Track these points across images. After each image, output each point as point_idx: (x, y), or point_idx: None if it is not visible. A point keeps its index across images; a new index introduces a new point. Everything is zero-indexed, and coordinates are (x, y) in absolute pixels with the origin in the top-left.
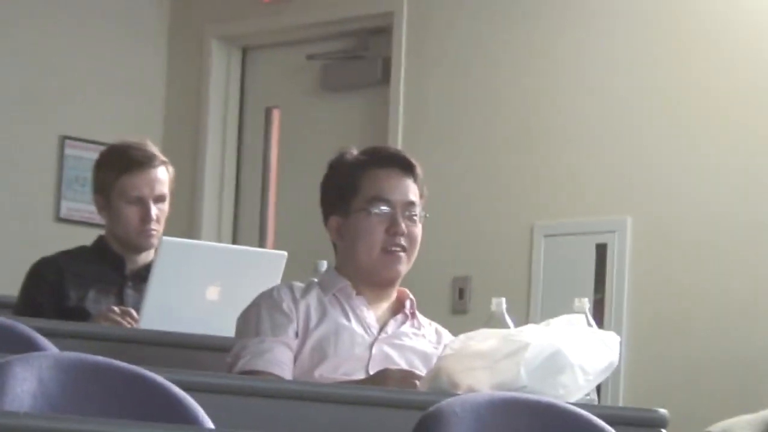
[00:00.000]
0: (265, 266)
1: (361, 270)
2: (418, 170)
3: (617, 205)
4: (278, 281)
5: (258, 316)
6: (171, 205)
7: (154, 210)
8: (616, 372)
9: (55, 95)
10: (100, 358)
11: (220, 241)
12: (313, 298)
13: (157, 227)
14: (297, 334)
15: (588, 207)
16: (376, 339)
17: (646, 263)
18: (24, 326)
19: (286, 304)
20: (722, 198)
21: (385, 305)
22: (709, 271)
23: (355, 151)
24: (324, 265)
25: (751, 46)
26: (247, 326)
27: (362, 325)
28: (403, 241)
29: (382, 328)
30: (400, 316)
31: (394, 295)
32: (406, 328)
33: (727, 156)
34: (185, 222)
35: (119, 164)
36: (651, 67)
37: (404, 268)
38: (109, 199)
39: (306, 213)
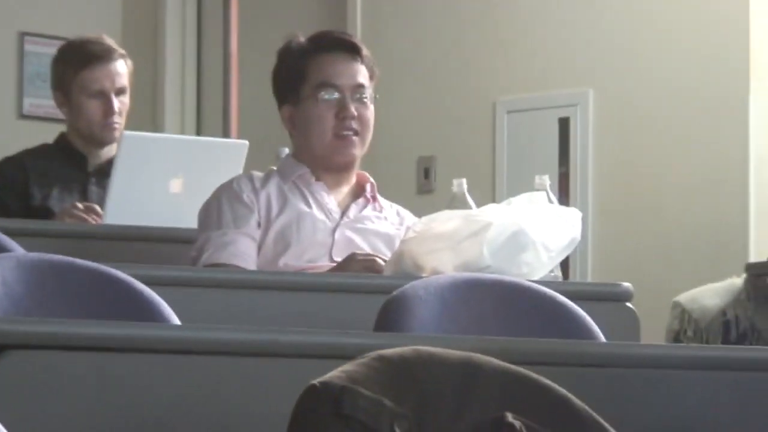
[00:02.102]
0: (227, 156)
1: (316, 156)
2: (365, 52)
3: (578, 78)
4: (240, 170)
5: (219, 208)
6: (133, 99)
7: (116, 103)
8: (583, 247)
9: None
10: (62, 257)
11: (183, 132)
12: (273, 186)
13: (119, 120)
14: (259, 224)
15: (549, 81)
16: (338, 224)
17: (609, 136)
18: None
19: (247, 195)
20: (683, 67)
21: (345, 190)
22: (672, 141)
23: (301, 39)
24: (286, 152)
25: None
26: (208, 219)
27: (323, 211)
28: (354, 125)
29: (343, 213)
30: (361, 200)
31: (353, 179)
32: (368, 211)
33: (689, 24)
34: (148, 115)
35: (78, 58)
36: None
37: (358, 151)
38: (69, 94)
39: (269, 100)
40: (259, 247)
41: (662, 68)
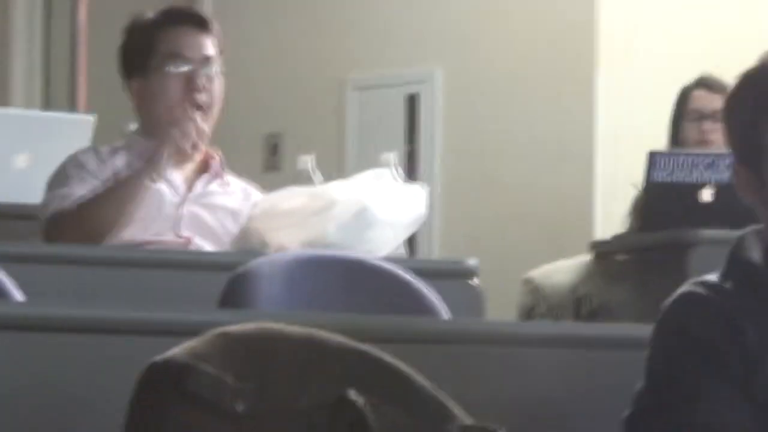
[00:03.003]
0: (73, 131)
1: (163, 130)
2: (214, 26)
3: (427, 56)
4: (87, 145)
5: (64, 174)
6: None
7: None
8: (429, 224)
9: None
10: None
11: (30, 106)
12: (119, 159)
13: None
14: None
15: (398, 59)
16: (184, 199)
17: (456, 113)
18: None
19: (92, 165)
20: (530, 44)
21: (191, 165)
22: (517, 120)
23: (150, 14)
24: (133, 127)
25: None
26: (53, 184)
27: (170, 186)
28: (203, 98)
29: (189, 188)
30: (207, 176)
31: (200, 156)
32: (214, 187)
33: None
34: None
35: None
36: None
37: (206, 125)
38: None
39: (117, 75)
40: None
41: (509, 46)
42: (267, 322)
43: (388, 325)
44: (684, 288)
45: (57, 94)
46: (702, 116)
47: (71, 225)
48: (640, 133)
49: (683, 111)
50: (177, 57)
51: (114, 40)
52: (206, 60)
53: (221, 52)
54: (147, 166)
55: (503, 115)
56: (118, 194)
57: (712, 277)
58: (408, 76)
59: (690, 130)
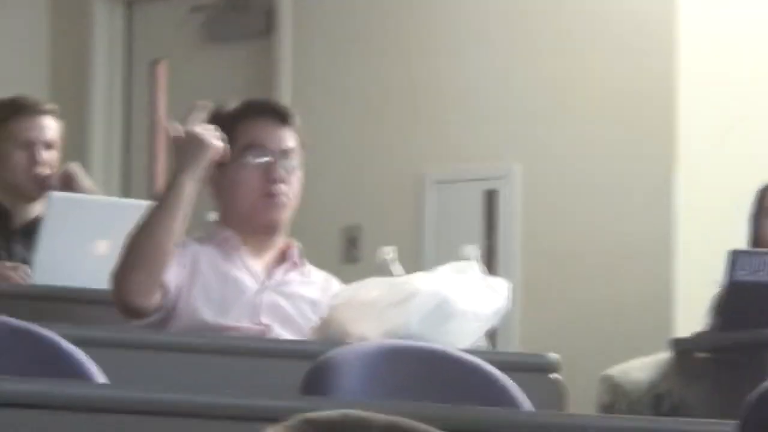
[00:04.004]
0: None
1: (242, 218)
2: (295, 119)
3: (506, 151)
4: None
5: None
6: (60, 160)
7: (42, 154)
8: (510, 317)
9: None
10: None
11: (110, 195)
12: (198, 247)
13: (47, 172)
14: (184, 267)
15: (477, 153)
16: (264, 287)
17: (535, 208)
18: None
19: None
20: (609, 142)
21: (271, 254)
22: (597, 214)
23: (231, 105)
24: (212, 216)
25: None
26: None
27: (250, 273)
28: (282, 188)
29: (269, 277)
30: (287, 264)
31: (279, 245)
32: (294, 276)
33: (613, 97)
34: None
35: (7, 110)
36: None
37: (285, 214)
38: None
39: None
40: (185, 296)
41: (588, 143)
42: (350, 409)
43: (471, 416)
44: None
45: (136, 182)
46: None
47: (125, 261)
48: (720, 230)
49: (761, 208)
50: (257, 148)
51: None
52: (286, 152)
53: (302, 146)
54: (184, 167)
55: (581, 211)
56: (163, 206)
57: None
58: (486, 171)
59: (767, 227)
